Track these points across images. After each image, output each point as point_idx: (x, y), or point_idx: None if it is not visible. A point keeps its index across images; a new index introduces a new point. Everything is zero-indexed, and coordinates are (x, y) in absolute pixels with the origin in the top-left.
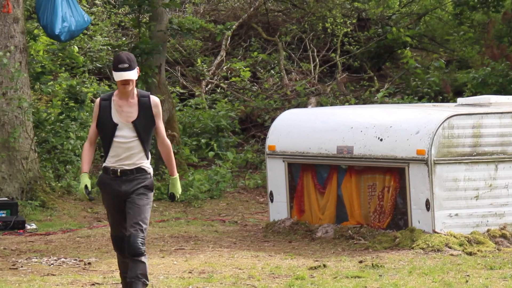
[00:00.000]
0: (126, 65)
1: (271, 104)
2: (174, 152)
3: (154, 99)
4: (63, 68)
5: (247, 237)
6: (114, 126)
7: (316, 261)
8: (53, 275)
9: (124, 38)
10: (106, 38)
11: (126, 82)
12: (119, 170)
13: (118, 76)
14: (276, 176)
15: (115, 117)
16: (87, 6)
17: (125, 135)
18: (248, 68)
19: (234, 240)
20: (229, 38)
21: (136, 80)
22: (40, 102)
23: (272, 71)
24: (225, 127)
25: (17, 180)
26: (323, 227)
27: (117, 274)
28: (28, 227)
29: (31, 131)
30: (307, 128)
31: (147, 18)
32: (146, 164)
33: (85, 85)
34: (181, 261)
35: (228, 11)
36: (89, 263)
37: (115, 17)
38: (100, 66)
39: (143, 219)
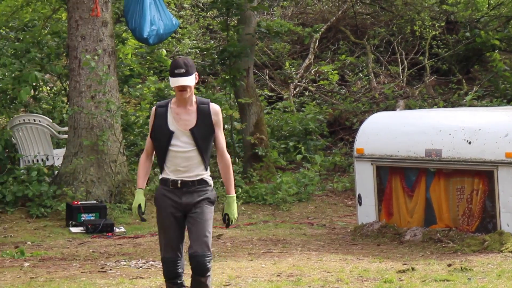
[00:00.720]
0: (182, 71)
1: (359, 107)
2: (262, 155)
3: (214, 107)
4: (151, 71)
5: (335, 240)
6: (170, 134)
7: (405, 264)
8: (142, 278)
9: (212, 41)
10: (194, 41)
11: (183, 89)
12: (179, 181)
13: (174, 82)
14: (365, 179)
15: (172, 125)
16: (175, 9)
17: (182, 144)
18: (336, 71)
19: (323, 243)
20: (317, 41)
21: (194, 86)
22: (128, 105)
23: (360, 74)
24: (313, 130)
25: (105, 183)
26: (411, 230)
27: None
28: (117, 230)
29: (119, 134)
30: (395, 131)
31: (235, 21)
32: (207, 176)
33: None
34: (269, 264)
35: (316, 14)
36: None
37: (203, 20)
38: None
39: (207, 235)
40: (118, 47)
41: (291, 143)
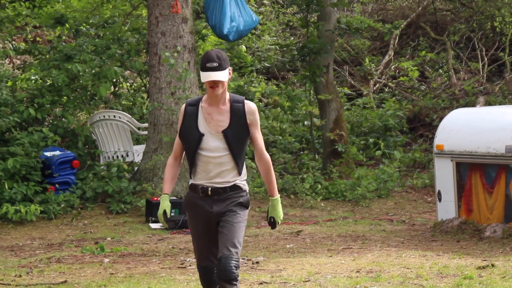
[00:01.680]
0: (215, 64)
1: (439, 104)
2: (341, 151)
3: (250, 105)
4: (232, 67)
5: (415, 237)
6: (200, 136)
7: (484, 260)
8: None
9: (292, 38)
10: (274, 38)
11: (214, 84)
12: (210, 189)
13: (205, 76)
14: (444, 175)
15: (202, 126)
16: (255, 5)
17: (213, 147)
18: (416, 67)
19: (402, 240)
20: (397, 38)
21: (227, 82)
22: None
23: (440, 70)
24: (393, 126)
25: (185, 179)
26: (491, 227)
27: (285, 273)
28: None
29: None
30: (475, 127)
31: (315, 18)
32: (241, 181)
33: (253, 85)
34: (348, 260)
35: (396, 10)
36: (257, 262)
37: (283, 16)
38: (268, 65)
39: (238, 238)
40: (198, 44)
41: (370, 140)
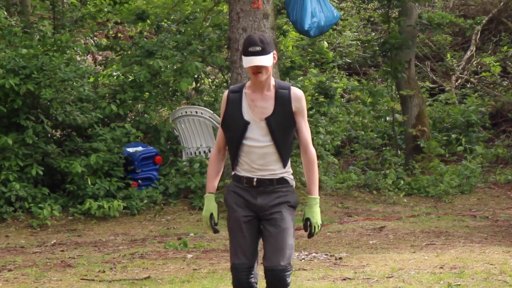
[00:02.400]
0: (258, 48)
1: None
2: (423, 147)
3: (296, 92)
4: (313, 63)
5: (498, 233)
6: (245, 124)
7: None
8: (305, 269)
9: (373, 33)
10: (355, 33)
11: (257, 70)
12: (255, 179)
13: (248, 61)
14: None
15: (247, 114)
16: (336, 1)
17: (257, 136)
18: (498, 63)
19: (485, 236)
20: (478, 33)
21: (271, 67)
22: None
23: None
24: (475, 122)
25: None
26: None
27: (368, 269)
28: None
29: None
30: None
31: (396, 13)
32: (288, 175)
33: (335, 80)
34: (432, 256)
35: (477, 5)
36: (340, 258)
37: (364, 12)
38: (350, 61)
39: (288, 247)
40: (279, 39)
41: (453, 135)
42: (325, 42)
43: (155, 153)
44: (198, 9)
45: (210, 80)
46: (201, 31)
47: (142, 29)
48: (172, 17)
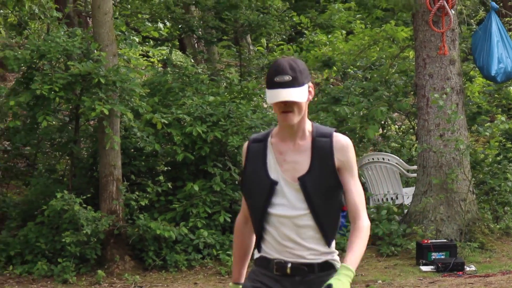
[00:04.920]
0: (287, 78)
1: None
2: None
3: (340, 140)
4: (499, 109)
5: None
6: (271, 185)
7: None
8: None
9: None
10: None
11: (287, 108)
12: (289, 266)
13: (273, 95)
14: None
15: (274, 171)
16: None
17: (288, 202)
18: None
19: None
20: None
21: (306, 105)
22: (477, 144)
23: None
24: None
25: (455, 222)
26: None
27: None
28: (467, 268)
29: (468, 173)
30: None
31: None
32: (334, 257)
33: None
34: None
35: None
36: None
37: None
38: None
39: None
40: (466, 85)
41: None
42: None
43: None
44: (384, 56)
45: (396, 126)
46: (387, 77)
47: (328, 75)
48: (358, 64)
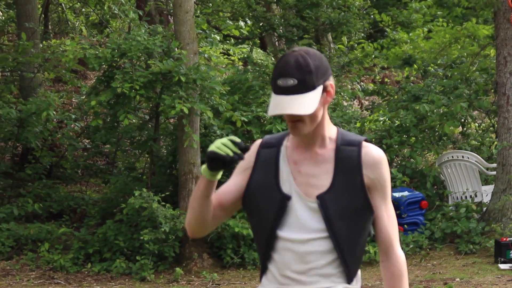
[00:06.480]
0: (291, 82)
1: None
2: None
3: (371, 151)
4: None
5: None
6: (283, 201)
7: None
8: None
9: None
10: None
11: (294, 116)
12: None
13: (273, 106)
14: None
15: (287, 184)
16: None
17: (301, 224)
18: None
19: None
20: None
21: (325, 109)
22: None
23: None
24: None
25: None
26: None
27: None
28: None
29: None
30: None
31: None
32: None
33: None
34: None
35: None
36: None
37: None
38: None
39: None
40: None
41: None
42: None
43: (421, 197)
44: (465, 54)
45: (476, 124)
46: (468, 75)
47: (408, 73)
48: (439, 62)
